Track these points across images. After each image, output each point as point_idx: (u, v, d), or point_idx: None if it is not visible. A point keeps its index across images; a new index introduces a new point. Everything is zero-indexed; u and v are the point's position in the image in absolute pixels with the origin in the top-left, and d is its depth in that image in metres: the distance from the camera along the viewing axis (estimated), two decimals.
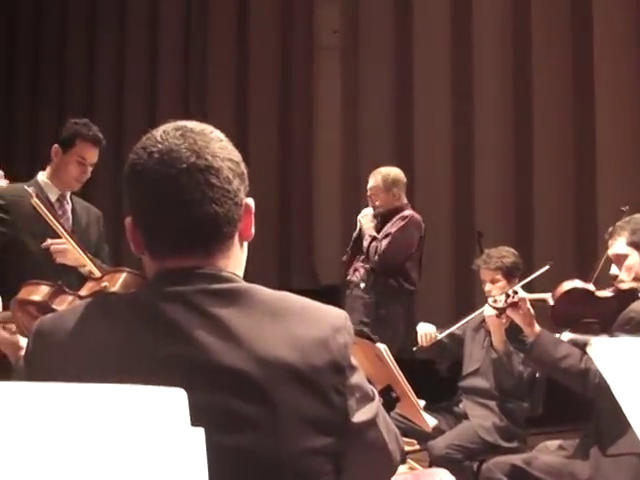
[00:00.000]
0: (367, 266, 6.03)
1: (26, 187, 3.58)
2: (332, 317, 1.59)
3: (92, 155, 4.17)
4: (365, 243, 6.01)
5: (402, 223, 5.97)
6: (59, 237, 3.74)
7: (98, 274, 3.16)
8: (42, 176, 4.24)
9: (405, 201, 6.15)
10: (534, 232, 7.65)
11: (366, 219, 6.11)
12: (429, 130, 8.38)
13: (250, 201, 1.64)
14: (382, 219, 6.08)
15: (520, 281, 4.57)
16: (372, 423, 1.62)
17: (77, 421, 1.13)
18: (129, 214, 1.62)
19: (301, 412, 1.49)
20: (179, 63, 10.85)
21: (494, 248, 4.88)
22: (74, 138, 4.14)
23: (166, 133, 1.58)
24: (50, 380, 1.41)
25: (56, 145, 4.16)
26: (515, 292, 4.10)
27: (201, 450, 1.16)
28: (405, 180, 6.15)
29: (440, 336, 4.84)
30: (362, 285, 5.96)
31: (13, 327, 2.44)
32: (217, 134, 1.62)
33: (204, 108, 10.27)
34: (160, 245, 1.58)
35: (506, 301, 4.11)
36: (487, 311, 4.41)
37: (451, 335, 4.88)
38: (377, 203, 6.07)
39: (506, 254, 4.75)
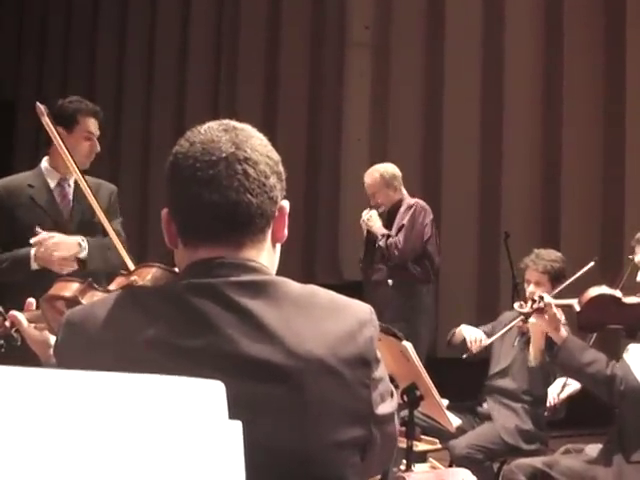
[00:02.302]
0: (389, 263, 6.08)
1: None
2: (358, 311, 1.61)
3: (95, 127, 4.16)
4: (381, 243, 6.08)
5: (410, 212, 6.08)
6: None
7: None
8: (45, 162, 4.23)
9: (404, 192, 6.26)
10: (560, 234, 7.62)
11: (373, 220, 6.18)
12: (458, 128, 8.35)
13: (285, 203, 1.67)
14: (388, 216, 6.17)
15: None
16: (392, 417, 1.67)
17: (114, 411, 1.14)
18: (166, 206, 1.65)
19: (330, 403, 1.51)
20: (210, 58, 10.85)
21: (544, 249, 4.81)
22: (75, 114, 4.10)
23: (209, 127, 1.63)
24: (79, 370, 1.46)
25: (58, 127, 3.93)
26: (541, 297, 4.08)
27: (238, 443, 1.17)
28: (400, 174, 6.26)
29: (488, 341, 4.74)
30: (390, 282, 6.01)
31: (43, 325, 2.45)
32: (258, 134, 1.66)
33: (233, 102, 10.29)
34: (193, 232, 1.61)
35: (532, 306, 4.09)
36: (532, 318, 4.33)
37: (484, 333, 4.85)
38: (379, 201, 6.18)
39: (555, 258, 4.69)
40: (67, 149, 3.68)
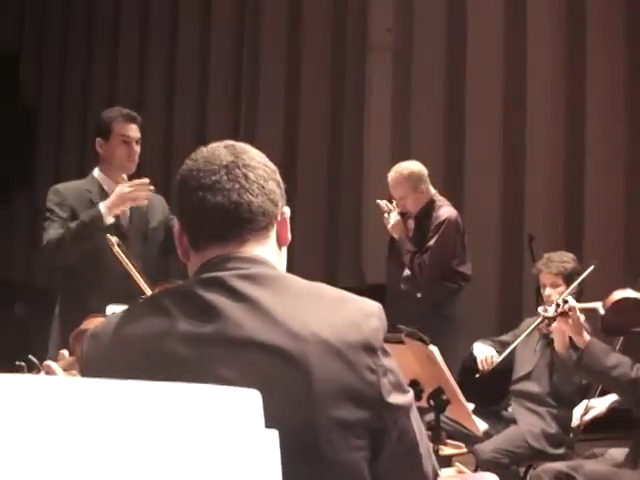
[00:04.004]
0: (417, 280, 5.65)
1: (108, 236, 3.67)
2: (366, 304, 1.69)
3: (132, 130, 4.32)
4: (405, 259, 5.62)
5: (440, 232, 5.52)
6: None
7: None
8: (97, 171, 4.38)
9: (433, 191, 5.69)
10: (584, 236, 7.59)
11: (395, 228, 5.67)
12: (480, 131, 8.33)
13: (286, 209, 1.79)
14: (417, 223, 5.67)
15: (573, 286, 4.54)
16: (405, 412, 1.69)
17: (152, 421, 1.15)
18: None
19: (336, 383, 1.57)
20: (231, 61, 10.87)
21: (554, 252, 4.84)
22: (110, 123, 4.30)
23: (211, 146, 1.78)
24: (102, 376, 1.49)
25: (98, 138, 4.31)
26: (565, 301, 4.07)
27: (275, 451, 1.17)
28: (426, 171, 5.69)
29: (500, 358, 4.72)
30: (419, 295, 5.60)
31: (75, 372, 2.47)
32: (257, 151, 1.80)
33: (255, 106, 10.31)
34: (201, 235, 1.73)
35: (556, 310, 4.09)
36: (556, 322, 4.30)
37: (501, 344, 4.84)
38: (407, 207, 5.64)
39: (567, 259, 4.72)
40: (136, 271, 3.75)
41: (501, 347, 4.81)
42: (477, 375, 4.75)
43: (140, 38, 12.14)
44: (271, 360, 1.55)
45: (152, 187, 4.13)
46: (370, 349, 1.61)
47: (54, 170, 12.53)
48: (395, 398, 1.64)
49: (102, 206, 4.07)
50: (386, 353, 1.65)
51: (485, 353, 4.80)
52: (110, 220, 4.06)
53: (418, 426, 1.74)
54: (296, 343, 1.56)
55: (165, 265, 4.72)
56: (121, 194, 4.08)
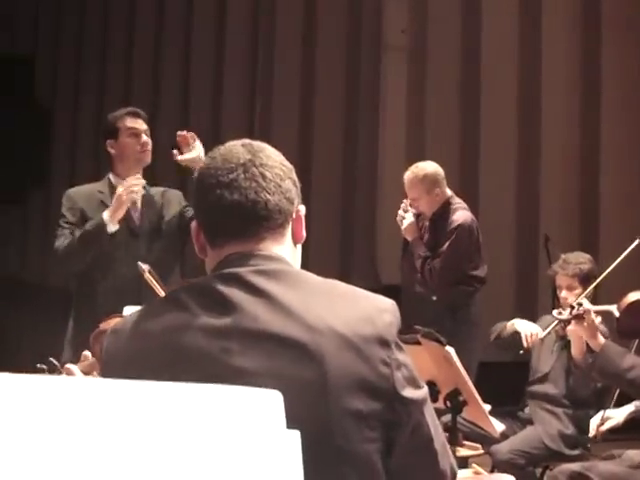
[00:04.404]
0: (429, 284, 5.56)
1: (140, 263, 3.67)
2: (378, 300, 1.71)
3: (139, 124, 4.38)
4: (417, 264, 5.53)
5: (452, 238, 5.41)
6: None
7: None
8: (111, 174, 4.43)
9: (449, 193, 5.58)
10: (600, 236, 7.56)
11: (407, 230, 5.59)
12: (495, 132, 8.32)
13: (302, 207, 1.82)
14: (432, 225, 5.58)
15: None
16: (419, 406, 1.70)
17: (173, 422, 1.15)
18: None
19: (350, 375, 1.59)
20: (246, 61, 10.88)
21: (570, 253, 4.79)
22: (115, 122, 4.37)
23: (228, 144, 1.81)
24: (123, 373, 1.52)
25: (108, 141, 4.36)
26: (580, 304, 4.05)
27: (297, 453, 1.17)
28: (443, 173, 5.57)
29: (543, 334, 4.57)
30: (434, 298, 5.52)
31: (95, 374, 2.49)
32: (274, 150, 1.82)
33: (270, 106, 10.31)
34: (218, 233, 1.76)
35: (571, 313, 4.06)
36: (571, 325, 4.26)
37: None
38: (421, 209, 5.56)
39: (583, 260, 4.65)
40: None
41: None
42: (521, 352, 4.65)
43: (155, 38, 12.16)
44: (287, 352, 1.58)
45: (143, 181, 4.21)
46: (384, 343, 1.64)
47: (69, 170, 12.59)
48: (408, 392, 1.66)
49: (105, 214, 4.15)
50: (400, 348, 1.67)
51: (530, 329, 4.68)
52: (113, 228, 4.15)
53: (433, 422, 1.75)
54: (311, 335, 1.59)
55: (181, 257, 4.75)
56: (117, 197, 4.15)
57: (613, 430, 4.44)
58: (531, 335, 4.63)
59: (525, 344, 4.61)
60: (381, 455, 1.65)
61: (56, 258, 4.26)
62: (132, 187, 4.16)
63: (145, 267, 3.60)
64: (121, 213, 4.16)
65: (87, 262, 4.22)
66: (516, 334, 4.69)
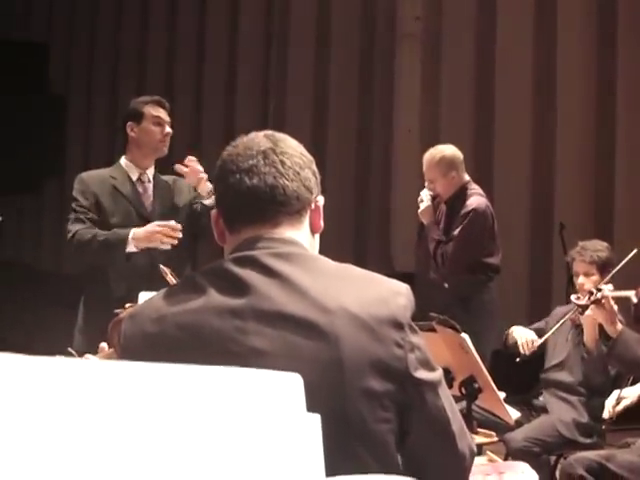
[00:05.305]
0: (441, 270, 5.55)
1: (161, 266, 3.63)
2: (392, 284, 1.74)
3: (164, 114, 4.42)
4: (430, 247, 5.52)
5: (465, 222, 5.38)
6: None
7: None
8: (124, 159, 4.47)
9: (466, 179, 5.56)
10: (614, 224, 7.53)
11: (423, 212, 5.59)
12: (510, 118, 8.28)
13: (320, 198, 1.85)
14: (448, 210, 5.56)
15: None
16: (433, 388, 1.72)
17: (193, 404, 1.15)
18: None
19: (364, 354, 1.62)
20: (259, 49, 10.86)
21: (588, 241, 4.79)
22: (141, 107, 4.39)
23: (251, 134, 1.85)
24: (141, 357, 1.50)
25: (129, 122, 4.39)
26: (599, 289, 4.04)
27: (317, 436, 1.17)
28: (462, 157, 5.57)
29: (540, 341, 4.67)
30: (446, 285, 5.51)
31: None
32: (296, 141, 1.86)
33: (284, 95, 10.29)
34: (237, 216, 1.79)
35: (589, 298, 4.06)
36: (589, 310, 4.25)
37: (537, 331, 4.80)
38: (437, 190, 5.53)
39: (601, 248, 4.66)
40: None
41: (537, 334, 4.77)
42: (517, 359, 4.69)
43: (168, 23, 12.16)
44: (301, 332, 1.61)
45: (180, 235, 4.18)
46: (397, 325, 1.66)
47: (83, 157, 12.60)
48: (421, 374, 1.68)
49: (131, 233, 4.19)
50: (414, 330, 1.69)
51: (525, 336, 4.74)
52: (132, 249, 4.17)
53: (450, 404, 1.76)
54: (325, 316, 1.62)
55: (193, 249, 4.76)
56: (151, 231, 4.17)
57: (627, 411, 4.43)
58: (526, 342, 4.71)
59: (522, 351, 4.69)
60: (395, 436, 1.67)
61: (72, 247, 4.28)
62: (171, 234, 4.15)
63: (167, 270, 3.62)
64: (145, 245, 4.18)
65: (97, 264, 4.29)
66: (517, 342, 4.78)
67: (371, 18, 9.56)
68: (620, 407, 4.40)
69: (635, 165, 7.56)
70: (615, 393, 4.42)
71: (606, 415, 4.41)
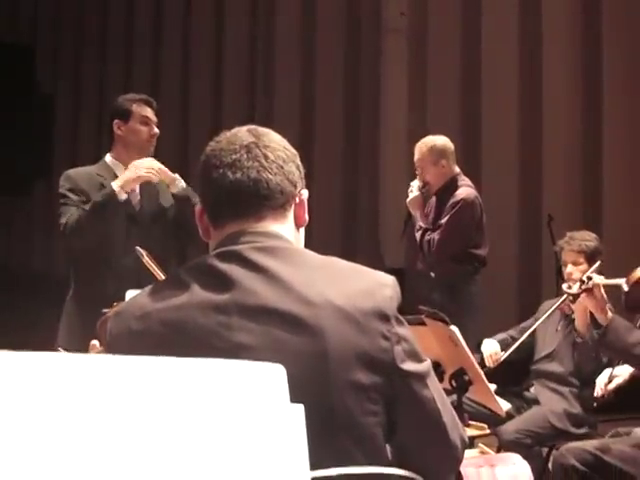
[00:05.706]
0: (428, 258, 5.57)
1: (138, 248, 3.62)
2: (378, 275, 1.73)
3: (151, 114, 4.36)
4: (417, 235, 5.55)
5: (453, 211, 5.40)
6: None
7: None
8: (109, 157, 4.39)
9: (457, 170, 5.59)
10: (602, 215, 7.55)
11: (411, 201, 5.61)
12: (497, 113, 8.30)
13: (304, 192, 1.84)
14: (437, 201, 5.58)
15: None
16: (421, 379, 1.71)
17: (177, 396, 1.15)
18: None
19: (350, 347, 1.61)
20: (246, 44, 10.86)
21: (576, 231, 4.83)
22: (129, 105, 4.33)
23: (234, 129, 1.84)
24: (126, 354, 1.50)
25: (116, 120, 4.31)
26: (589, 278, 4.04)
27: (301, 426, 1.17)
28: (453, 148, 5.60)
29: (505, 355, 4.69)
30: (432, 274, 5.53)
31: None
32: (279, 136, 1.85)
33: (272, 89, 10.29)
34: (220, 211, 1.78)
35: (580, 287, 4.06)
36: (580, 299, 4.27)
37: (522, 331, 4.79)
38: (427, 178, 5.54)
39: (589, 238, 4.70)
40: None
41: (520, 334, 4.77)
42: (484, 369, 4.71)
43: (154, 23, 12.15)
44: (286, 326, 1.60)
45: (160, 165, 4.19)
46: (383, 316, 1.65)
47: (71, 157, 12.58)
48: (409, 365, 1.68)
49: (114, 184, 4.10)
50: (400, 322, 1.68)
51: (490, 349, 4.81)
52: (124, 196, 4.08)
53: (440, 395, 1.75)
54: (310, 309, 1.61)
55: (182, 251, 4.74)
56: (135, 167, 4.12)
57: (618, 398, 4.44)
58: (490, 356, 4.76)
59: (487, 364, 4.73)
60: (383, 429, 1.67)
61: (65, 234, 4.14)
62: (154, 166, 4.14)
63: (143, 252, 3.60)
64: (133, 185, 4.13)
65: (94, 241, 4.13)
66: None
67: (356, 14, 9.57)
68: (612, 385, 4.41)
69: (622, 157, 7.57)
70: (607, 371, 4.44)
71: (598, 392, 4.42)
